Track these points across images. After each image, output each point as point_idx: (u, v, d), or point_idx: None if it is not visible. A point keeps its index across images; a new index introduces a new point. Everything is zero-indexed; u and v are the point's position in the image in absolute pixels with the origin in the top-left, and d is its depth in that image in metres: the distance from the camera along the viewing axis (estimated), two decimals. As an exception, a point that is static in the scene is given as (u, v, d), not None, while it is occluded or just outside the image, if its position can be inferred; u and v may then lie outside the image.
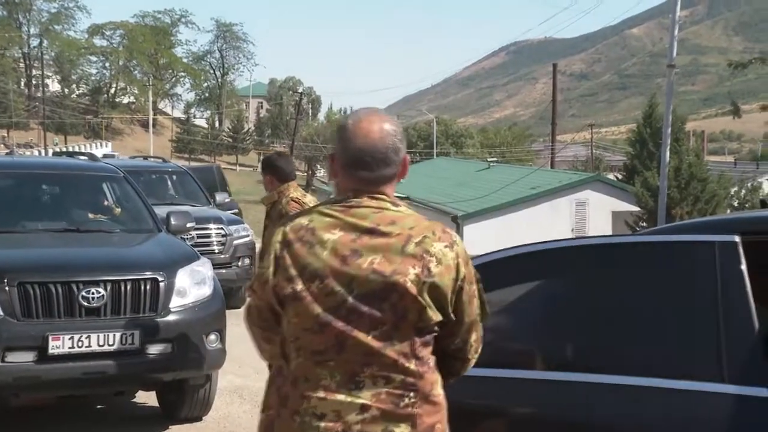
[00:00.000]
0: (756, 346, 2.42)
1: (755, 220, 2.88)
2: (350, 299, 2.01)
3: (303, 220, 2.12)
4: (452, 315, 2.08)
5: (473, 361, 2.22)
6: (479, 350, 2.22)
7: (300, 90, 76.02)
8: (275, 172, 5.20)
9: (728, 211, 26.70)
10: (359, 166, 2.11)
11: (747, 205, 29.06)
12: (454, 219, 27.02)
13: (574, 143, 58.53)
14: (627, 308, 2.70)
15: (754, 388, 2.36)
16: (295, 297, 2.06)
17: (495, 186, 29.47)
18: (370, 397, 2.00)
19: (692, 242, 2.62)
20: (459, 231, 26.66)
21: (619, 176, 34.69)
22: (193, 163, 51.48)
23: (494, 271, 2.85)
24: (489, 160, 43.74)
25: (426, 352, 2.06)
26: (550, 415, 2.59)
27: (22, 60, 77.23)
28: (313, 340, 2.04)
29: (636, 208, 26.82)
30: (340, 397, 2.00)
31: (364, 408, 1.99)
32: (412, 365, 2.02)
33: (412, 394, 2.02)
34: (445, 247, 2.07)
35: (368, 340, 2.00)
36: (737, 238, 2.54)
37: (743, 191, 31.22)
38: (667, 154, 16.84)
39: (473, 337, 2.17)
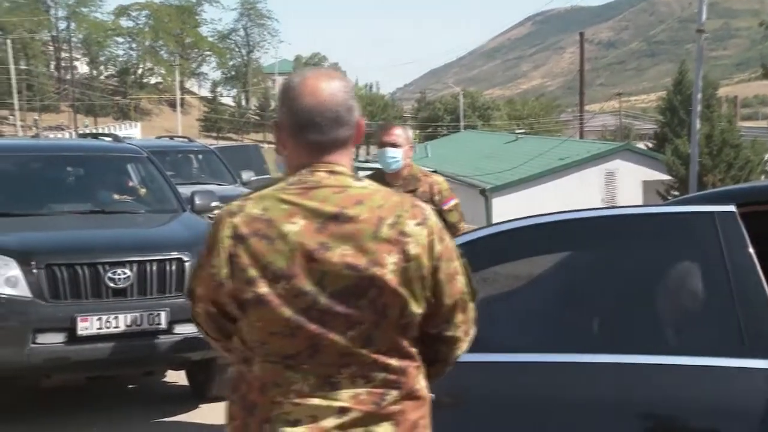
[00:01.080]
0: None
1: (749, 191, 2.93)
2: (323, 299, 1.78)
3: (255, 210, 1.83)
4: (432, 298, 1.87)
5: (464, 345, 1.99)
6: (471, 333, 1.98)
7: (325, 66, 75.75)
8: None
9: (762, 177, 26.27)
10: (309, 129, 1.85)
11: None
12: (482, 192, 26.89)
13: (603, 113, 57.91)
14: (633, 283, 2.65)
15: None
16: (258, 301, 1.79)
17: (523, 158, 29.23)
18: (348, 398, 1.80)
19: (692, 213, 2.59)
20: (487, 204, 26.54)
21: (650, 145, 34.23)
22: (226, 143, 51.65)
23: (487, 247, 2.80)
24: (517, 132, 43.42)
25: (407, 344, 1.86)
26: (569, 399, 2.51)
27: (51, 43, 77.79)
28: (283, 345, 1.80)
29: (667, 177, 26.49)
30: (316, 401, 1.80)
31: (342, 411, 1.80)
32: (393, 361, 1.83)
33: (395, 392, 1.83)
34: (417, 224, 1.83)
35: (345, 341, 1.79)
36: (734, 208, 2.53)
37: (778, 157, 30.66)
38: (698, 121, 16.58)
39: (459, 318, 1.93)
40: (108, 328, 5.06)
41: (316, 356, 1.80)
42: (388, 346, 1.83)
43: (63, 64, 77.16)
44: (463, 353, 2.01)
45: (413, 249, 1.81)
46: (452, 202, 4.51)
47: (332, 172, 1.86)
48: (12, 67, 55.36)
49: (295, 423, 1.80)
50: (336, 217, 1.80)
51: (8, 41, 57.51)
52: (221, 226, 1.86)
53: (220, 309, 1.90)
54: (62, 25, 77.43)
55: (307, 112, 1.86)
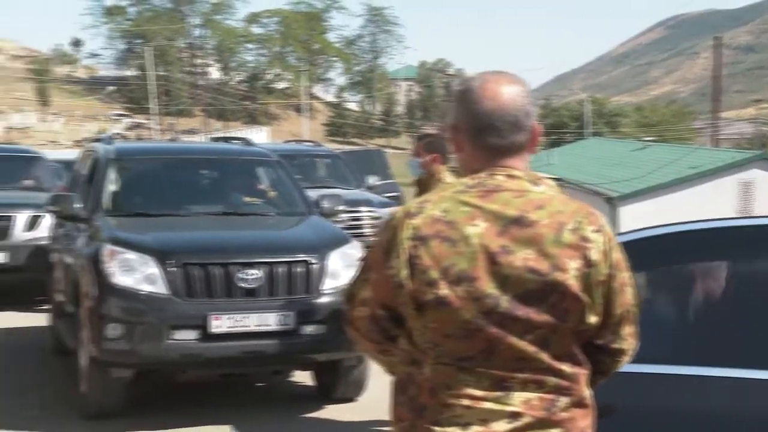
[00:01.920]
0: None
1: None
2: (504, 302, 1.78)
3: (436, 211, 1.83)
4: (603, 307, 1.85)
5: (626, 359, 1.95)
6: (634, 345, 1.95)
7: (450, 72, 75.87)
8: (444, 150, 4.60)
9: None
10: (488, 133, 1.86)
11: None
12: (607, 200, 26.25)
13: (739, 120, 55.42)
14: None
15: None
16: (438, 303, 1.79)
17: (652, 166, 28.33)
18: (520, 403, 1.79)
19: None
20: (614, 212, 25.87)
21: (791, 154, 32.49)
22: (350, 147, 52.50)
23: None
24: (645, 139, 42.13)
25: (578, 350, 1.85)
26: (710, 414, 2.41)
27: (186, 50, 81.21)
28: (458, 347, 1.80)
29: (810, 188, 25.11)
30: (488, 404, 1.79)
31: (513, 415, 1.78)
32: (566, 367, 1.81)
33: (565, 399, 1.81)
34: (595, 231, 1.83)
35: (522, 344, 1.79)
36: None
37: None
38: None
39: (626, 330, 1.91)
40: (238, 327, 5.21)
41: (491, 359, 1.80)
42: (562, 352, 1.82)
43: (199, 70, 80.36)
44: (624, 366, 1.97)
45: (594, 255, 1.81)
46: None
47: (511, 176, 1.86)
48: (152, 73, 58.05)
49: (466, 426, 1.79)
50: (517, 221, 1.81)
51: (147, 48, 60.38)
52: (401, 227, 1.85)
53: (390, 311, 1.90)
54: (197, 32, 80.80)
55: (487, 116, 1.86)
